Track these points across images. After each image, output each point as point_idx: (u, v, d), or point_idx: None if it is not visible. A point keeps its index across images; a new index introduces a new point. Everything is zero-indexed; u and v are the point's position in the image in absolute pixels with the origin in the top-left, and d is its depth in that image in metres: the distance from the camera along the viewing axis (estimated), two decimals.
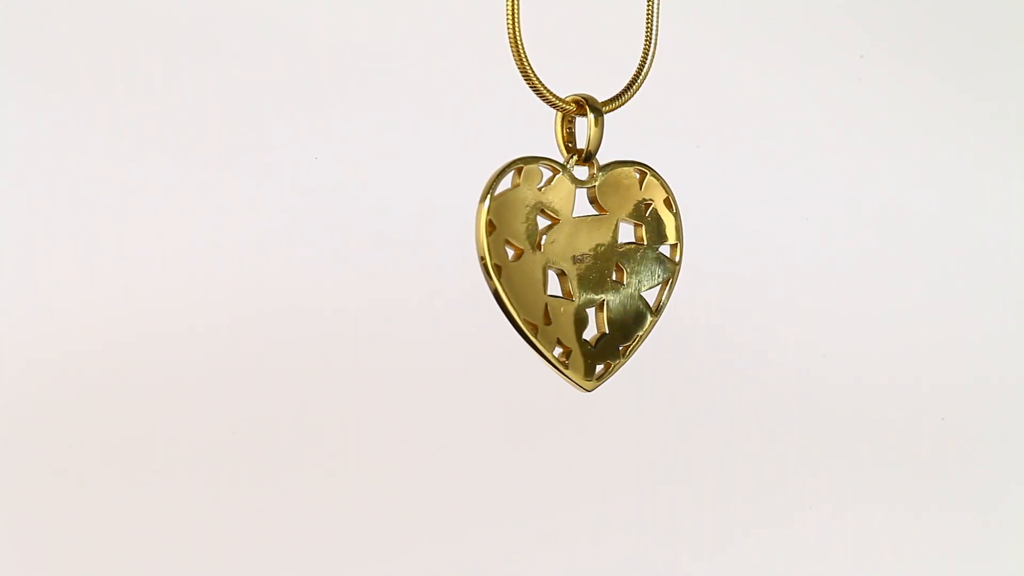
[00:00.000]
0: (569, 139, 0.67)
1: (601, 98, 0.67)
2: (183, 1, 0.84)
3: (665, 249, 0.70)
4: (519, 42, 0.64)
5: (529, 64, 0.64)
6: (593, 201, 0.68)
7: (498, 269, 0.63)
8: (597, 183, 0.67)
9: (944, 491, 1.02)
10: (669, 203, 0.70)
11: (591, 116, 0.65)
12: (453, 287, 0.65)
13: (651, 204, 0.70)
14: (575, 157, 0.66)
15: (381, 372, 0.88)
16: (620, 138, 0.68)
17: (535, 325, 0.65)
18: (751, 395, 0.99)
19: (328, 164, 0.86)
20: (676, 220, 0.71)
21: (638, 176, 0.69)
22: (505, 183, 0.64)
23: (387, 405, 0.89)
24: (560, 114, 0.66)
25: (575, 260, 0.67)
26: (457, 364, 0.87)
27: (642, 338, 0.69)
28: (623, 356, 0.68)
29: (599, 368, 0.68)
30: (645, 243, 0.69)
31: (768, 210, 1.03)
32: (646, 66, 0.67)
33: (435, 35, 0.90)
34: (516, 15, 0.63)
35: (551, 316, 0.66)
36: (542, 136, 0.67)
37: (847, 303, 1.05)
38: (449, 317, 0.82)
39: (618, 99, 0.66)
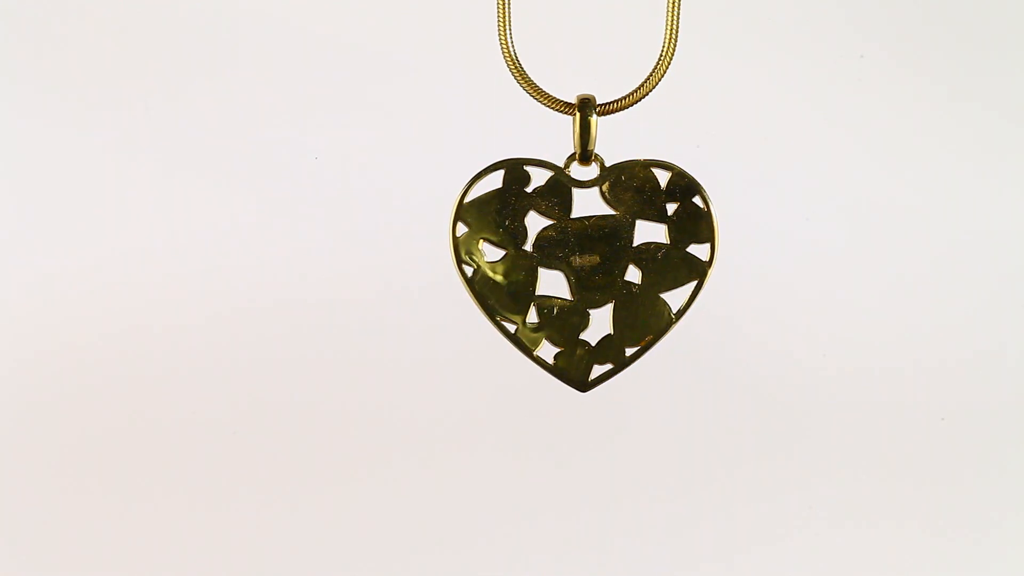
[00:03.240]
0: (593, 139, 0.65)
1: (610, 98, 0.64)
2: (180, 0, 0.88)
3: (694, 249, 0.67)
4: (511, 50, 0.63)
5: (522, 70, 0.64)
6: (604, 200, 0.66)
7: (468, 269, 0.65)
8: (603, 183, 0.65)
9: (944, 492, 0.95)
10: (702, 201, 0.66)
11: (591, 116, 0.63)
12: (453, 287, 0.68)
13: (677, 203, 0.66)
14: (572, 157, 0.65)
15: (378, 372, 0.91)
16: (621, 138, 0.65)
17: (516, 324, 0.66)
18: (748, 396, 0.93)
19: (328, 164, 0.88)
20: (710, 219, 0.67)
21: (661, 174, 0.66)
22: (496, 184, 0.65)
23: (384, 405, 0.91)
24: (577, 115, 0.64)
25: (576, 260, 0.66)
26: (457, 364, 0.88)
27: (654, 340, 0.67)
28: (629, 358, 0.67)
29: (598, 369, 0.67)
30: (669, 243, 0.66)
31: (768, 210, 0.94)
32: (657, 71, 0.63)
33: (439, 35, 0.88)
34: (507, 26, 0.63)
35: (540, 316, 0.66)
36: (556, 137, 0.66)
37: (847, 304, 0.97)
38: (448, 316, 0.83)
39: (619, 101, 0.64)
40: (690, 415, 0.94)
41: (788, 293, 0.98)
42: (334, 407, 0.93)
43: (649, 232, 0.66)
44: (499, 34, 0.63)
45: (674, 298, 0.67)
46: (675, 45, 0.63)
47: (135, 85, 0.92)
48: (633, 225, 0.66)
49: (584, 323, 0.66)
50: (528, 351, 0.66)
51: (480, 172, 0.64)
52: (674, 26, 0.62)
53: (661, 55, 0.63)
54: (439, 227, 0.66)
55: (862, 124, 1.00)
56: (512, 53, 0.63)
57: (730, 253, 0.66)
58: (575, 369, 0.67)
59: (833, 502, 0.96)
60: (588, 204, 0.65)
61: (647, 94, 0.64)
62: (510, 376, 0.75)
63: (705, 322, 0.70)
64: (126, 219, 0.93)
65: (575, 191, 0.65)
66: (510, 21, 0.63)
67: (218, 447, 0.92)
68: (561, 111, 0.64)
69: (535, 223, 0.66)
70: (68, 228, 0.93)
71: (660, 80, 0.63)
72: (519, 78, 0.64)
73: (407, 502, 0.92)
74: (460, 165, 0.65)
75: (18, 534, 0.93)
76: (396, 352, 0.93)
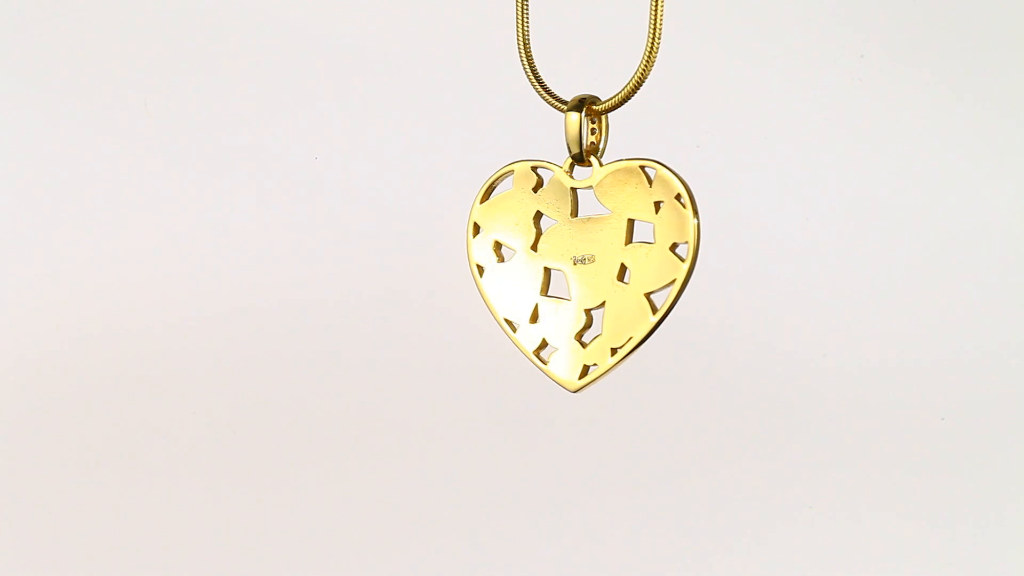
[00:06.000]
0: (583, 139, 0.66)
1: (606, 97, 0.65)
2: None
3: (678, 248, 0.67)
4: (526, 49, 0.64)
5: (534, 69, 0.65)
6: (600, 200, 0.67)
7: (480, 269, 0.67)
8: (598, 182, 0.66)
9: (943, 492, 0.96)
10: (681, 199, 0.66)
11: (584, 116, 0.64)
12: (454, 288, 0.69)
13: (662, 201, 0.66)
14: (571, 158, 0.66)
15: (376, 372, 0.92)
16: (620, 138, 0.66)
17: (518, 323, 0.67)
18: (746, 396, 0.94)
19: (329, 164, 0.89)
20: (690, 218, 0.67)
21: (647, 173, 0.66)
22: (507, 186, 0.67)
23: (381, 405, 0.92)
24: (573, 115, 0.65)
25: (576, 261, 0.67)
26: (456, 363, 0.88)
27: (638, 340, 0.67)
28: (615, 358, 0.67)
29: (591, 369, 0.67)
30: (654, 242, 0.67)
31: (768, 210, 0.94)
32: (641, 70, 0.64)
33: (440, 35, 0.89)
34: (523, 25, 0.64)
35: (541, 315, 0.67)
36: (558, 137, 0.67)
37: (847, 303, 0.97)
38: (448, 316, 0.84)
39: (607, 101, 0.64)
40: (688, 415, 0.95)
41: (788, 292, 0.98)
42: (333, 406, 0.94)
43: (647, 232, 0.67)
44: (517, 34, 0.64)
45: (662, 298, 0.67)
46: (658, 43, 0.63)
47: (134, 84, 0.93)
48: (627, 225, 0.66)
49: (583, 322, 0.67)
50: (528, 351, 0.67)
51: (494, 176, 0.67)
52: (657, 24, 0.63)
53: (644, 54, 0.64)
54: (439, 227, 0.67)
55: (861, 124, 1.00)
56: (526, 51, 0.64)
57: (729, 253, 0.67)
58: (567, 369, 0.67)
59: (832, 502, 0.96)
60: (588, 204, 0.66)
61: (633, 93, 0.64)
62: (507, 376, 0.76)
63: (705, 322, 0.71)
64: (126, 219, 0.94)
65: (576, 191, 0.66)
66: (527, 21, 0.64)
67: (217, 447, 0.93)
68: (560, 111, 0.65)
69: (540, 224, 0.67)
70: (67, 227, 0.94)
71: (645, 79, 0.64)
72: (531, 78, 0.65)
73: (403, 500, 0.93)
74: (459, 164, 0.66)
75: (17, 533, 0.93)
76: (394, 352, 0.93)
